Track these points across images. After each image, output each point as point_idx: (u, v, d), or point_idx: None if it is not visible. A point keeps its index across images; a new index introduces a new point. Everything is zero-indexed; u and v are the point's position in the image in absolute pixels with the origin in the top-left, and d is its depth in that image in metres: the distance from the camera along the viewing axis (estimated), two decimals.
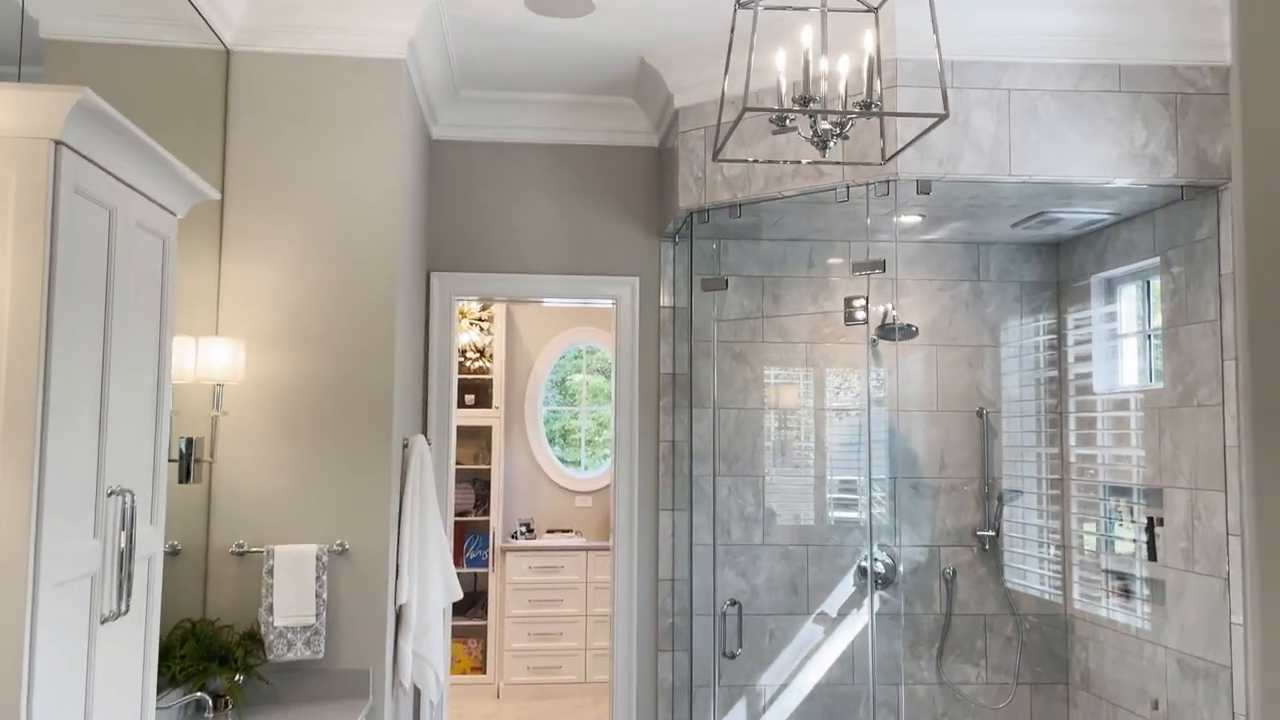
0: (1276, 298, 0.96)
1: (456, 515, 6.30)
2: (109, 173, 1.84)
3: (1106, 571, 4.42)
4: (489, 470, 6.71)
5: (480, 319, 6.86)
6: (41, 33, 2.40)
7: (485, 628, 6.49)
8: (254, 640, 3.26)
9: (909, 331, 4.69)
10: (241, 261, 3.45)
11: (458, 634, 6.39)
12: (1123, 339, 4.45)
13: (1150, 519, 4.08)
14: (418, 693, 4.12)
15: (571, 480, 7.01)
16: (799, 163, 2.92)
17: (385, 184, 3.54)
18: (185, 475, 3.14)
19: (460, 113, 4.54)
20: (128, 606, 1.90)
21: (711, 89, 4.00)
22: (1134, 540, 4.22)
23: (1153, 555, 4.06)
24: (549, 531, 6.86)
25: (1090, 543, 4.54)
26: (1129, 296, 4.44)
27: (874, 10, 2.56)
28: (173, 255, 2.21)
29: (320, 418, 3.44)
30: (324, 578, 3.31)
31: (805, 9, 2.54)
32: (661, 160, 4.59)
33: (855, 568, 4.65)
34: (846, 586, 4.64)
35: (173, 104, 3.05)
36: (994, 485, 4.74)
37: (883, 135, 2.66)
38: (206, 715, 3.09)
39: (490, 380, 6.77)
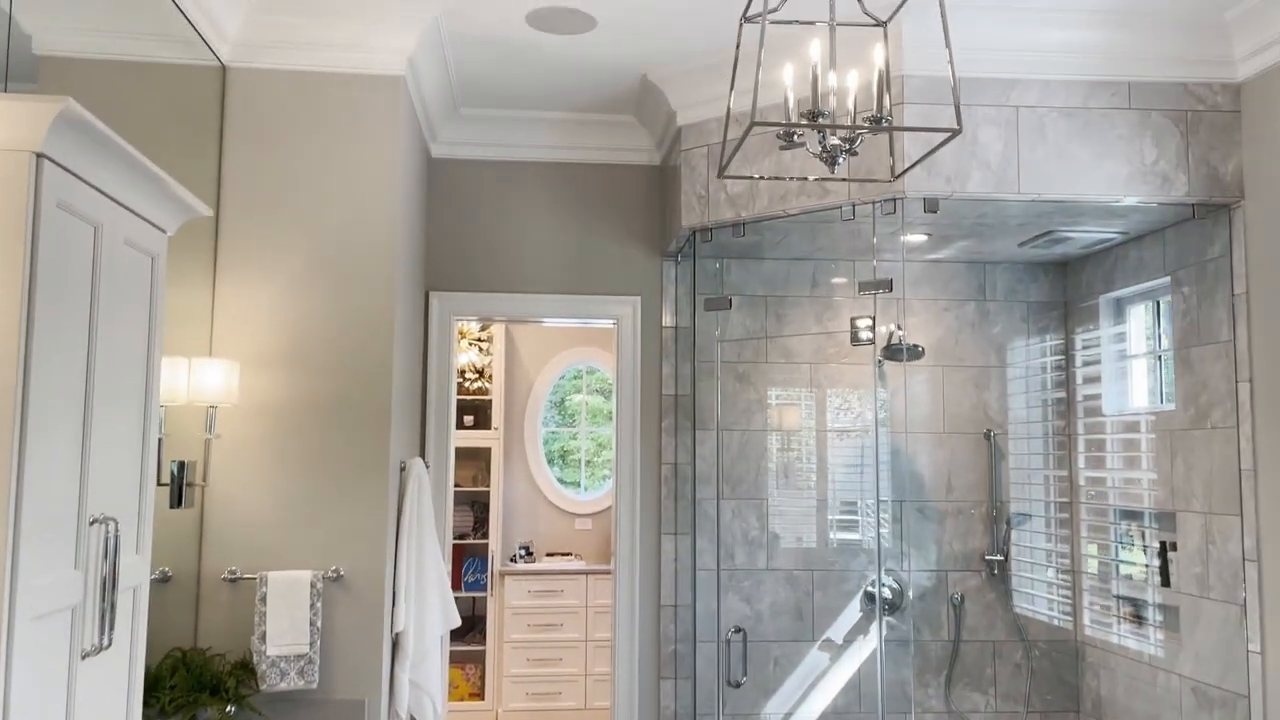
0: None
1: (455, 538, 6.22)
2: (94, 187, 1.78)
3: (1117, 597, 4.34)
4: (488, 492, 6.62)
5: (479, 339, 6.79)
6: (35, 49, 2.34)
7: (483, 653, 6.39)
8: (246, 670, 3.17)
9: (915, 352, 4.62)
10: (236, 281, 3.39)
11: (455, 659, 6.28)
12: (1132, 360, 4.38)
13: (1163, 543, 4.00)
14: None
15: (571, 502, 6.92)
16: (805, 179, 2.87)
17: (383, 202, 3.48)
18: (177, 500, 3.06)
19: (460, 130, 4.48)
20: (111, 640, 1.82)
21: (714, 106, 3.95)
22: (1146, 565, 4.14)
23: (1166, 581, 3.98)
24: (548, 555, 6.76)
25: (1101, 567, 4.46)
26: (1138, 316, 4.37)
27: (882, 25, 2.50)
28: (162, 274, 2.14)
29: (316, 440, 3.36)
30: (318, 605, 3.22)
31: (812, 23, 2.48)
32: (663, 178, 4.53)
33: (861, 593, 4.56)
34: (853, 612, 4.55)
35: (168, 120, 2.99)
36: (1002, 508, 4.65)
37: (892, 152, 2.60)
38: None
39: (489, 401, 6.70)
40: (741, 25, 2.42)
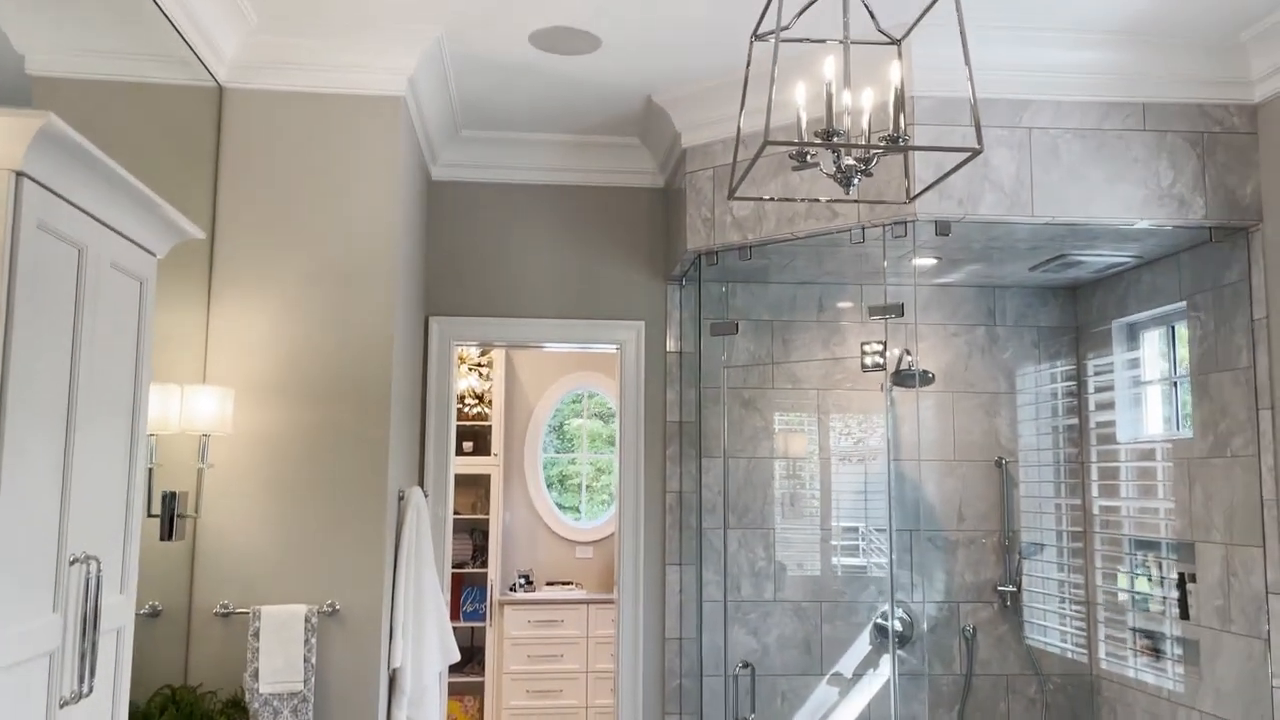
0: None
1: (453, 567, 6.09)
2: (79, 208, 1.69)
3: (1134, 630, 4.22)
4: (487, 520, 6.51)
5: (479, 364, 6.70)
6: (27, 69, 2.27)
7: (482, 685, 6.25)
8: (238, 708, 3.06)
9: (926, 378, 4.53)
10: (231, 306, 3.30)
11: (454, 691, 6.15)
12: (1146, 386, 4.29)
13: (1181, 575, 3.89)
14: None
15: (572, 530, 6.80)
16: (816, 201, 2.79)
17: (382, 226, 3.40)
18: (167, 532, 2.96)
19: (461, 152, 4.41)
20: (91, 687, 1.71)
21: (720, 128, 3.88)
22: (1164, 597, 4.03)
23: (1185, 613, 3.87)
24: (549, 584, 6.64)
25: (1117, 599, 4.34)
26: (1152, 342, 4.28)
27: (896, 43, 2.43)
28: (151, 299, 2.05)
29: (312, 470, 3.26)
30: (313, 641, 3.11)
31: (823, 41, 2.41)
32: (667, 201, 4.45)
33: (871, 625, 4.45)
34: (862, 645, 4.43)
35: (163, 142, 2.91)
36: (1014, 538, 4.55)
37: (907, 174, 2.53)
38: None
39: (489, 427, 6.59)
40: (752, 43, 2.35)
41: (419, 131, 3.89)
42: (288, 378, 3.29)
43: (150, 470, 2.84)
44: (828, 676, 4.42)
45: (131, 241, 1.94)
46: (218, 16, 3.12)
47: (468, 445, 6.49)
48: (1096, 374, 4.54)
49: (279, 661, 3.06)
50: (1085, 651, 4.50)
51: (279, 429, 3.27)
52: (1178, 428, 4.10)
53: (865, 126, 2.35)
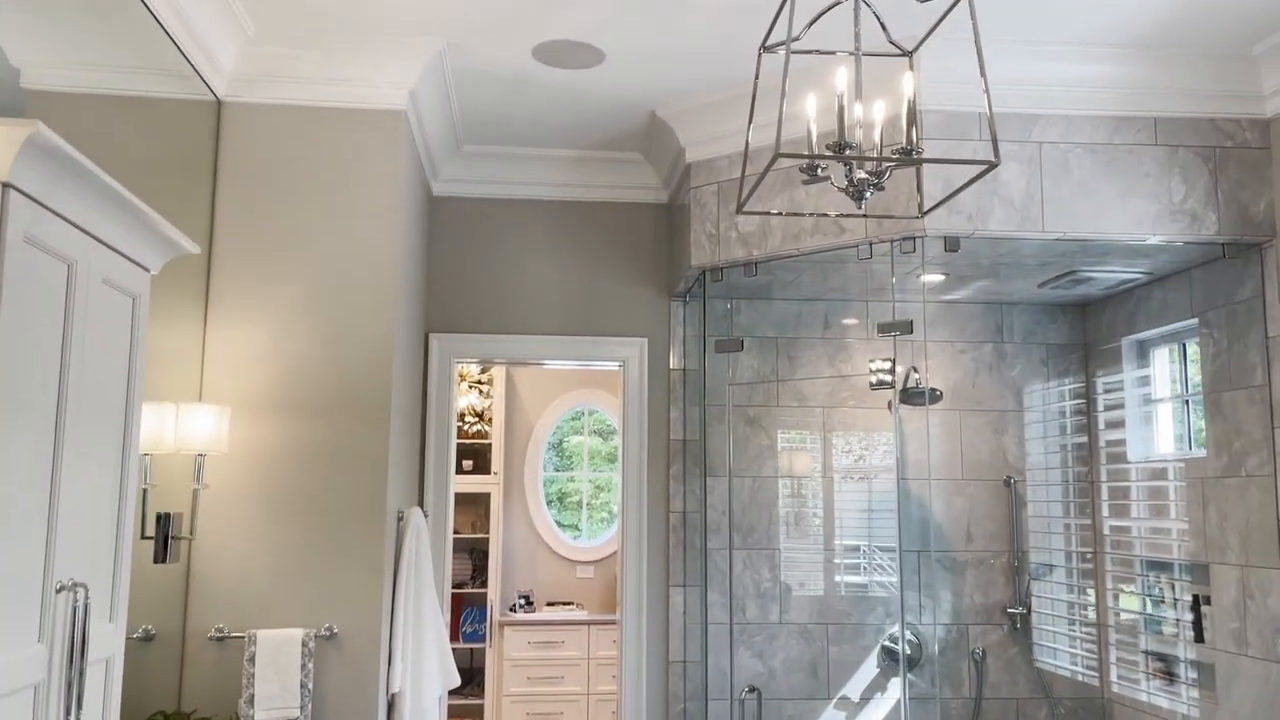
0: None
1: (453, 587, 6.01)
2: (69, 221, 1.63)
3: (1146, 652, 4.15)
4: (487, 539, 6.43)
5: (480, 381, 6.63)
6: (23, 83, 2.22)
7: (481, 707, 6.16)
8: None
9: (935, 396, 4.47)
10: (228, 323, 3.24)
11: (453, 713, 6.05)
12: (1157, 404, 4.23)
13: (1195, 597, 3.82)
14: None
15: (572, 549, 6.72)
16: (825, 215, 2.73)
17: (382, 241, 3.34)
18: (161, 554, 2.88)
19: (462, 168, 4.36)
20: None
21: (725, 143, 3.83)
22: (1177, 619, 3.96)
23: (1199, 636, 3.79)
24: (549, 604, 6.55)
25: (1128, 621, 4.27)
26: (1163, 359, 4.22)
27: (908, 55, 2.38)
28: (144, 315, 1.99)
29: (310, 491, 3.19)
30: (310, 665, 3.04)
31: (833, 53, 2.35)
32: (671, 217, 4.40)
33: (879, 648, 4.37)
34: (869, 668, 4.35)
35: (160, 156, 2.86)
36: (1024, 559, 4.48)
37: (920, 189, 2.47)
38: None
39: (489, 445, 6.52)
40: (760, 55, 2.30)
41: (420, 146, 3.84)
42: (285, 396, 3.23)
43: (144, 491, 2.77)
44: (835, 700, 4.34)
45: (124, 256, 1.88)
46: (215, 28, 3.07)
47: (467, 463, 6.41)
48: (1106, 391, 4.48)
49: (275, 687, 2.99)
50: (1096, 674, 4.42)
51: (276, 448, 3.20)
52: (1190, 446, 4.03)
53: (877, 139, 2.30)
